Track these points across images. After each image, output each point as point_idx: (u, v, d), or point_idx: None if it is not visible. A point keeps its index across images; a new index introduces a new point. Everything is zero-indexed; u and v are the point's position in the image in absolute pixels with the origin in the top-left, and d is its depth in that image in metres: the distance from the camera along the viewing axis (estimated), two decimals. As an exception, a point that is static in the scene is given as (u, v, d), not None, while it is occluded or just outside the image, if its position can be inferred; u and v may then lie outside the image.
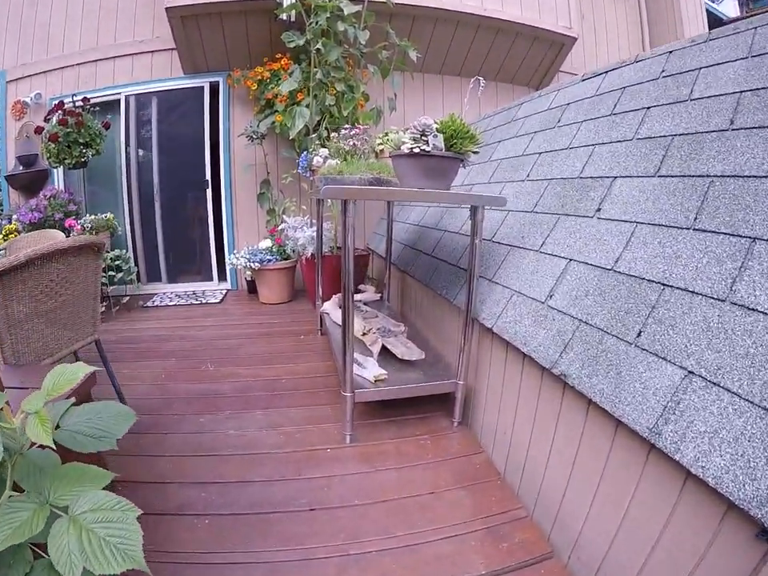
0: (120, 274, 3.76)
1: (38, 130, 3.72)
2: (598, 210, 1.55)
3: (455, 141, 1.59)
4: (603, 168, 1.64)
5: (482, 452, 1.90)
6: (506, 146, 2.59)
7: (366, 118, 3.67)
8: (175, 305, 4.19)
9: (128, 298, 3.86)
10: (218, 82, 4.42)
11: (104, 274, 3.64)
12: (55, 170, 4.15)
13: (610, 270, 1.35)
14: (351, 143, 2.50)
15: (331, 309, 2.87)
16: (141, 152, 4.55)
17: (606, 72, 2.00)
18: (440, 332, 2.43)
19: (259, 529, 1.51)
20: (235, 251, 4.34)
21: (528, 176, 2.11)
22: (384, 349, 2.29)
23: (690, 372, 0.98)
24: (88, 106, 3.86)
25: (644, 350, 1.11)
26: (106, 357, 2.09)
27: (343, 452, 1.91)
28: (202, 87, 4.42)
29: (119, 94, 4.37)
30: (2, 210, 4.25)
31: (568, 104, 2.15)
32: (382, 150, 2.48)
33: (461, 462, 1.84)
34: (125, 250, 3.94)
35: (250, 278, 4.29)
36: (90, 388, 1.43)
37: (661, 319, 1.11)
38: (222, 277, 4.80)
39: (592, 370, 1.22)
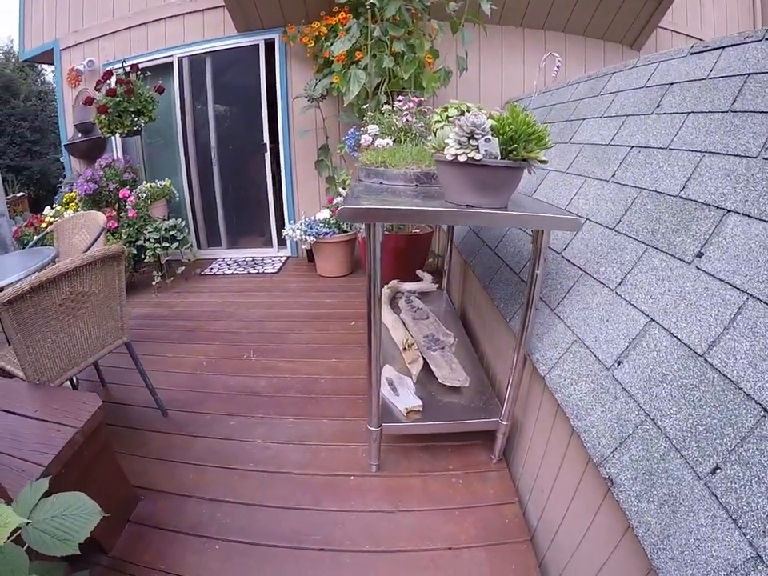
0: (176, 244, 3.75)
1: (88, 101, 3.70)
2: (699, 255, 1.17)
3: (516, 145, 1.24)
4: (713, 190, 1.24)
5: (515, 502, 1.68)
6: (590, 127, 2.15)
7: (432, 80, 3.24)
8: (232, 273, 4.21)
9: (183, 268, 3.88)
10: (274, 39, 4.13)
11: (159, 245, 3.66)
12: (112, 137, 4.16)
13: (700, 356, 1.01)
14: (405, 119, 2.19)
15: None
16: (214, 108, 4.39)
17: (723, 48, 1.51)
18: (496, 345, 2.15)
19: (260, 566, 1.46)
20: (293, 221, 4.22)
21: (614, 176, 1.72)
22: (425, 364, 2.08)
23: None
24: (138, 72, 3.77)
25: (715, 495, 0.80)
26: (137, 357, 2.06)
27: (366, 482, 1.78)
28: (257, 45, 4.16)
29: (171, 56, 4.23)
30: (64, 177, 4.37)
31: (671, 84, 1.68)
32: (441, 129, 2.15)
33: (490, 513, 1.64)
34: (181, 219, 3.92)
35: (309, 248, 4.17)
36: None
37: (749, 462, 0.78)
38: (282, 243, 4.71)
39: (644, 490, 0.94)
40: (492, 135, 1.23)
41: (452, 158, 1.23)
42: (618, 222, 1.54)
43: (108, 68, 3.95)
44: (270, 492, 1.73)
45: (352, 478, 1.80)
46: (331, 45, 3.63)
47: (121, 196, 3.78)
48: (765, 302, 0.93)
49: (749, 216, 1.09)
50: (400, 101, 2.35)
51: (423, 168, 1.76)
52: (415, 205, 1.40)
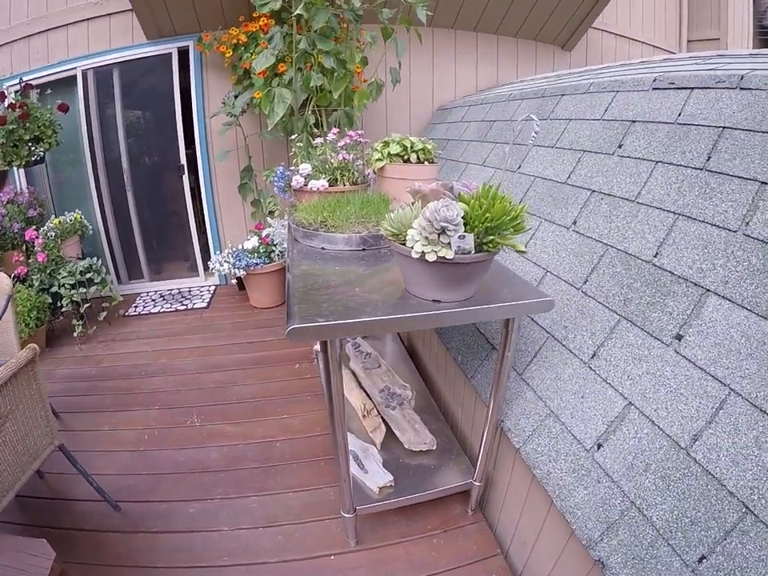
0: (93, 288, 3.33)
1: None
2: (678, 337, 1.09)
3: (492, 237, 1.07)
4: (689, 263, 1.15)
5: (497, 554, 1.64)
6: (540, 157, 2.04)
7: (363, 97, 3.00)
8: (159, 311, 3.81)
9: (105, 313, 3.46)
10: (188, 47, 3.70)
11: (75, 290, 3.23)
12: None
13: (683, 449, 0.98)
14: (341, 156, 1.97)
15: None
16: (125, 126, 3.88)
17: (691, 89, 1.42)
18: (457, 396, 2.03)
19: None
20: (219, 251, 3.87)
21: (575, 224, 1.60)
22: (388, 428, 1.93)
23: None
24: (34, 90, 3.25)
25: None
26: (74, 458, 1.80)
27: (348, 560, 1.66)
28: (170, 55, 3.72)
29: (75, 68, 3.69)
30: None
31: (633, 122, 1.59)
32: (382, 168, 1.93)
33: (477, 570, 1.60)
34: (97, 258, 3.48)
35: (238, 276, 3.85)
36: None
37: (733, 553, 0.83)
38: (209, 270, 4.29)
39: (635, 574, 0.95)
40: (465, 226, 1.04)
41: (418, 255, 1.04)
42: (585, 282, 1.43)
43: (6, 85, 3.40)
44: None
45: (332, 557, 1.67)
46: (251, 54, 3.30)
47: (27, 238, 3.28)
48: (747, 399, 0.92)
49: (730, 300, 1.04)
50: (334, 134, 2.12)
51: (370, 229, 1.58)
52: (363, 272, 1.24)
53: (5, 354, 2.22)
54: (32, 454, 1.60)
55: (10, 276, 3.23)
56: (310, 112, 3.10)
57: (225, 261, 3.49)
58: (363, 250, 1.55)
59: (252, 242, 3.45)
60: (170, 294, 4.16)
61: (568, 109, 2.04)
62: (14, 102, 3.09)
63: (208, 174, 3.95)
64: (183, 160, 3.92)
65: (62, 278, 3.22)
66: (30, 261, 3.29)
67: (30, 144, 3.19)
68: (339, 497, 1.60)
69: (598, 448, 1.15)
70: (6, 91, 3.19)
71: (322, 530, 1.77)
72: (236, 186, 3.74)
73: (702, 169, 1.25)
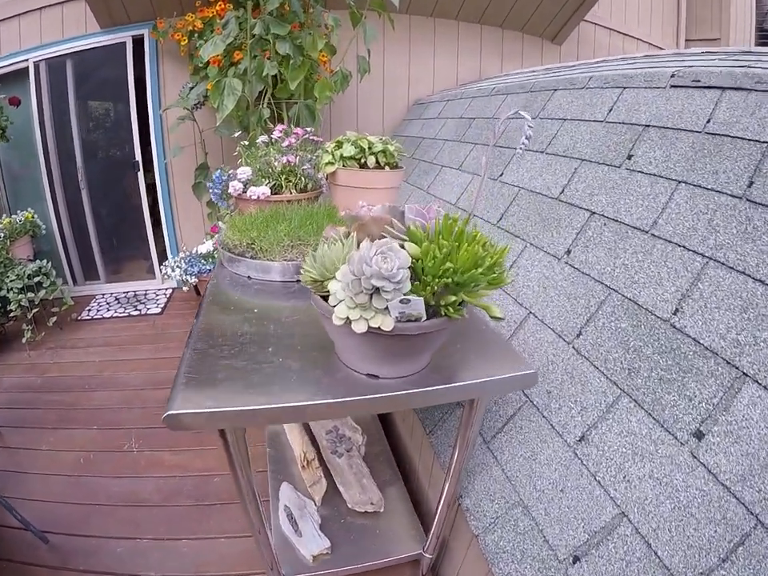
0: (42, 292, 2.90)
1: None
2: (699, 435, 0.74)
3: (455, 297, 0.66)
4: (721, 329, 0.77)
5: None
6: (527, 163, 1.63)
7: (325, 89, 2.53)
8: (112, 316, 3.37)
9: (55, 318, 3.02)
10: (143, 35, 3.18)
11: (23, 295, 2.81)
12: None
13: None
14: (285, 159, 1.54)
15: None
16: (78, 120, 3.38)
17: (723, 89, 1.01)
18: (414, 441, 1.64)
19: None
20: (175, 255, 3.41)
21: (568, 253, 1.20)
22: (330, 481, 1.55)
23: None
24: None
25: None
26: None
27: None
28: (124, 43, 3.20)
29: (27, 60, 3.19)
30: None
31: (646, 126, 1.17)
32: (333, 173, 1.51)
33: None
34: (47, 261, 3.03)
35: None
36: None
37: None
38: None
39: None
40: (413, 287, 0.63)
41: (341, 322, 0.63)
42: (579, 335, 1.03)
43: None
44: None
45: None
46: (205, 41, 2.81)
47: (-28, 240, 2.83)
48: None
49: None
50: (279, 131, 1.69)
51: (303, 254, 1.16)
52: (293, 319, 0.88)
53: None
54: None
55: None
56: (265, 105, 2.62)
57: (177, 266, 3.04)
58: (297, 281, 1.15)
59: (207, 246, 3.01)
60: (125, 297, 3.71)
61: (562, 106, 1.62)
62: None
63: (164, 171, 3.45)
64: (138, 156, 3.41)
65: (10, 281, 2.84)
66: None
67: (-31, 143, 2.72)
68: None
69: (574, 561, 0.80)
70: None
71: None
72: (190, 183, 3.28)
73: (741, 197, 0.86)
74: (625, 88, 1.35)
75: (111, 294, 3.80)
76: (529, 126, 0.71)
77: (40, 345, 2.97)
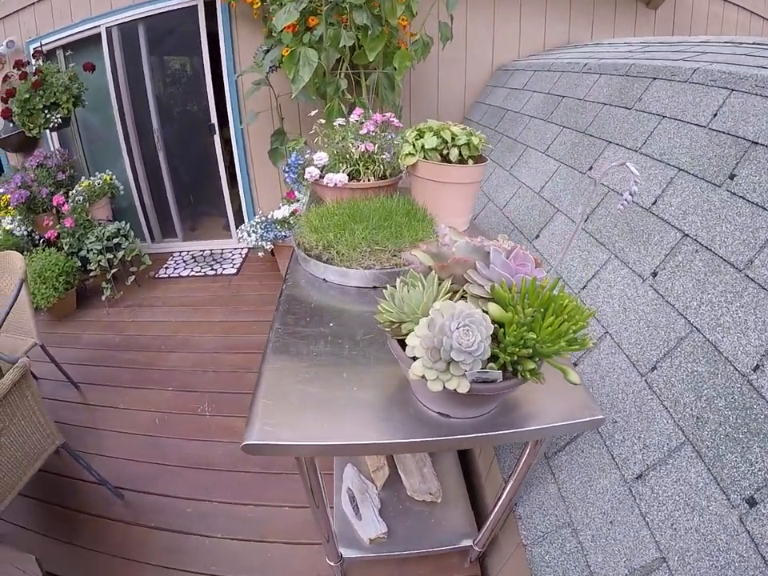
0: (121, 253, 3.22)
1: (8, 94, 3.00)
2: (751, 502, 0.75)
3: (533, 366, 0.70)
4: None
5: None
6: (617, 160, 1.59)
7: (405, 59, 2.50)
8: (188, 275, 3.69)
9: (133, 277, 3.35)
10: (214, -2, 3.27)
11: (103, 255, 3.14)
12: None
13: None
14: (363, 147, 1.59)
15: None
16: (153, 84, 3.59)
17: None
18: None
19: None
20: (252, 218, 3.61)
21: (654, 276, 1.20)
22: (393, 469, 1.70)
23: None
24: (43, 57, 3.06)
25: None
26: (76, 455, 1.79)
27: None
28: (195, 7, 3.30)
29: (99, 26, 3.38)
30: (1, 173, 3.68)
31: (754, 143, 1.11)
32: (413, 166, 1.55)
33: None
34: (124, 222, 3.34)
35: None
36: None
37: None
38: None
39: None
40: (492, 349, 0.69)
41: (417, 377, 0.71)
42: (654, 369, 1.06)
43: (33, 47, 3.24)
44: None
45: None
46: (279, 6, 2.84)
47: (55, 203, 3.17)
48: None
49: None
50: (358, 115, 1.73)
51: (384, 264, 1.24)
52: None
53: (22, 332, 2.22)
54: (32, 457, 1.58)
55: (40, 240, 3.21)
56: (342, 75, 2.65)
57: (253, 231, 3.23)
58: (374, 288, 1.24)
59: (282, 212, 3.16)
60: (201, 255, 4.02)
61: (660, 100, 1.55)
62: (25, 71, 2.91)
63: (240, 135, 3.62)
64: (214, 119, 3.59)
65: (90, 243, 3.16)
66: (60, 223, 3.20)
67: (45, 111, 3.03)
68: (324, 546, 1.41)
69: None
70: (24, 58, 3.01)
71: (313, 556, 1.65)
72: (267, 147, 3.40)
73: None
74: (732, 90, 1.27)
75: (188, 252, 4.13)
76: (635, 182, 0.69)
77: (119, 302, 3.32)
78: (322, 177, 1.58)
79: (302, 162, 1.78)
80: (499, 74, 3.27)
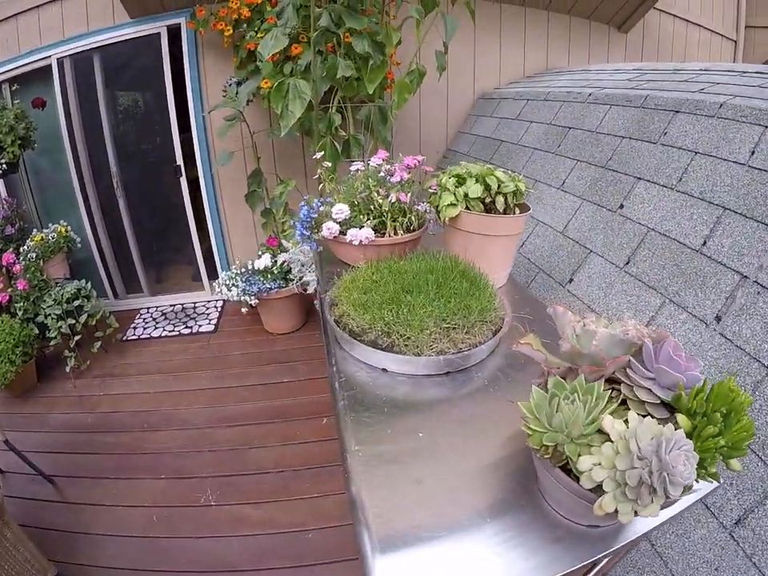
0: (84, 317, 2.98)
1: None
2: None
3: (714, 470, 0.63)
4: None
5: None
6: (656, 200, 1.60)
7: (405, 90, 2.43)
8: (160, 336, 3.45)
9: (99, 343, 3.10)
10: (180, 25, 3.17)
11: (63, 321, 2.89)
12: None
13: None
14: (391, 198, 1.47)
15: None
16: (110, 121, 3.38)
17: None
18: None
19: None
20: (226, 269, 3.47)
21: (718, 321, 1.20)
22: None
23: None
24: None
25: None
26: None
27: None
28: (158, 35, 3.19)
29: (49, 57, 3.20)
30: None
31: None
32: (456, 216, 1.38)
33: None
34: (84, 280, 3.12)
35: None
36: None
37: None
38: (213, 276, 3.80)
39: None
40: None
41: (603, 513, 0.61)
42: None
43: None
44: None
45: None
46: (256, 33, 2.78)
47: (4, 262, 2.93)
48: None
49: None
50: (382, 158, 1.59)
51: (459, 346, 1.07)
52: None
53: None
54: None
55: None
56: (335, 109, 2.59)
57: (233, 284, 3.08)
58: (447, 373, 1.08)
59: (264, 261, 3.03)
60: (172, 311, 3.79)
61: (689, 134, 1.58)
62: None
63: (209, 177, 3.49)
64: (180, 160, 3.45)
65: (48, 306, 2.91)
66: (12, 285, 2.94)
67: (-18, 158, 2.79)
68: None
69: None
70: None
71: None
72: (242, 189, 3.29)
73: None
74: (766, 128, 1.31)
75: (156, 308, 3.88)
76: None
77: (85, 373, 3.06)
78: (342, 232, 1.48)
79: (312, 214, 1.65)
80: (482, 103, 3.33)
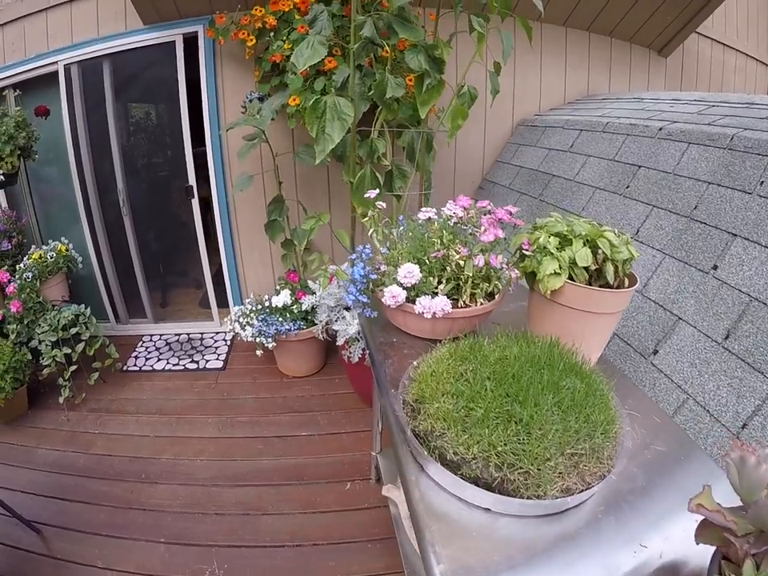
0: (81, 345, 2.69)
1: None
2: None
3: None
4: None
5: None
6: (758, 262, 1.34)
7: (459, 116, 2.11)
8: (163, 369, 3.14)
9: (97, 374, 2.80)
10: (197, 33, 2.90)
11: (59, 349, 2.61)
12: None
13: None
14: (480, 261, 1.15)
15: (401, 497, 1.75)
16: (118, 134, 3.10)
17: None
18: None
19: None
20: (239, 303, 3.20)
21: None
22: None
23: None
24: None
25: None
26: None
27: None
28: (173, 43, 2.92)
29: (56, 63, 2.94)
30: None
31: None
32: (560, 288, 1.05)
33: None
34: (84, 305, 2.83)
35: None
36: None
37: None
38: (223, 304, 3.54)
39: None
40: None
41: None
42: None
43: None
44: None
45: None
46: (284, 43, 2.50)
47: (-2, 282, 2.65)
48: None
49: None
50: (463, 207, 1.27)
51: (588, 481, 0.77)
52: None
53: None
54: None
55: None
56: (377, 134, 2.29)
57: (247, 323, 2.76)
58: (563, 512, 0.79)
59: (283, 297, 2.71)
60: (177, 341, 3.48)
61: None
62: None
63: (224, 202, 3.19)
64: (192, 180, 3.16)
65: (42, 332, 2.63)
66: (5, 306, 2.69)
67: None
68: None
69: None
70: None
71: None
72: (258, 213, 3.01)
73: None
74: None
75: (160, 336, 3.58)
76: None
77: (82, 405, 2.79)
78: (410, 299, 1.19)
79: (364, 281, 1.32)
80: (523, 131, 3.08)
